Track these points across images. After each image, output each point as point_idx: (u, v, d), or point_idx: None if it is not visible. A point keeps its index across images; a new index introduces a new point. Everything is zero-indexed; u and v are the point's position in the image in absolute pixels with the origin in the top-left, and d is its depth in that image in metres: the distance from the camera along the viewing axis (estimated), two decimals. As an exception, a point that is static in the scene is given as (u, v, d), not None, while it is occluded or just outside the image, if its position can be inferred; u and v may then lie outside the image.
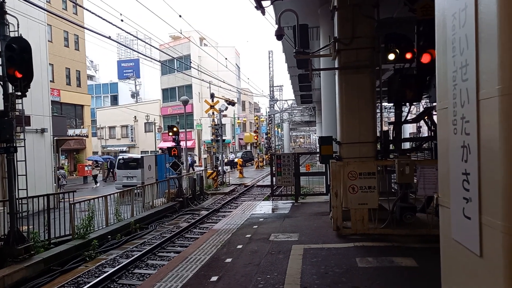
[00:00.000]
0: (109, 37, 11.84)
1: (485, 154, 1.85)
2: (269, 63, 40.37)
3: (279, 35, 8.93)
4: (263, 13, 9.69)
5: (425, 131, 32.50)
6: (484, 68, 1.85)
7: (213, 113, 22.35)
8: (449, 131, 2.25)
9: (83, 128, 30.70)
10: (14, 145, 7.58)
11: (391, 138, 8.39)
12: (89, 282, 6.88)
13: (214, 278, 5.12)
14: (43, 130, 14.73)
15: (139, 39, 14.53)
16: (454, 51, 2.16)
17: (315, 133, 60.07)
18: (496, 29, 1.73)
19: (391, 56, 7.30)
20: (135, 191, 13.22)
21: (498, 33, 1.72)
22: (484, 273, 1.89)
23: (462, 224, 2.09)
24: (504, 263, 1.71)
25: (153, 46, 17.32)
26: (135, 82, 53.79)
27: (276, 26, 9.11)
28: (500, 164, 1.72)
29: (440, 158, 2.50)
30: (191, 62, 34.04)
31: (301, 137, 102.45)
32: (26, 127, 9.52)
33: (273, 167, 11.36)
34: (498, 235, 1.74)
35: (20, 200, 7.87)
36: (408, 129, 37.35)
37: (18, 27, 8.03)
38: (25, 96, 7.70)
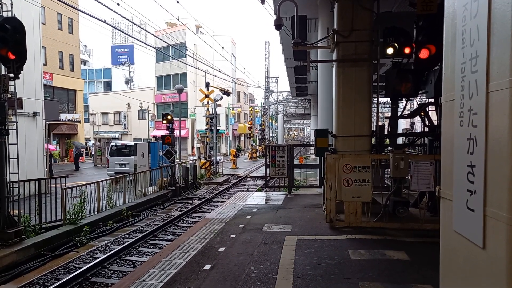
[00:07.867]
0: (104, 21, 11.62)
1: (492, 147, 1.84)
2: (265, 54, 40.15)
3: (278, 25, 8.83)
4: (263, 1, 9.60)
5: (418, 127, 32.72)
6: (495, 60, 1.83)
7: (207, 102, 22.20)
8: (455, 124, 2.24)
9: (75, 113, 30.34)
10: (6, 127, 7.44)
11: (387, 133, 8.42)
12: (80, 268, 6.84)
13: (207, 266, 5.12)
14: (35, 114, 14.48)
15: (134, 24, 14.27)
16: (464, 42, 2.14)
17: (309, 126, 60.23)
18: (510, 20, 1.71)
19: (390, 50, 7.27)
20: (128, 178, 13.13)
21: (511, 24, 1.70)
22: (486, 264, 1.90)
23: (465, 216, 2.09)
24: (507, 254, 1.71)
25: (148, 32, 17.02)
26: (129, 69, 53.13)
27: (275, 16, 9.02)
28: (508, 156, 1.71)
29: (443, 151, 2.48)
30: (186, 50, 33.59)
31: (295, 130, 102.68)
32: (18, 110, 9.35)
33: (268, 158, 11.34)
34: (502, 227, 1.74)
35: (11, 183, 7.76)
36: (402, 125, 37.56)
37: (11, 7, 7.85)
38: (18, 78, 7.54)
